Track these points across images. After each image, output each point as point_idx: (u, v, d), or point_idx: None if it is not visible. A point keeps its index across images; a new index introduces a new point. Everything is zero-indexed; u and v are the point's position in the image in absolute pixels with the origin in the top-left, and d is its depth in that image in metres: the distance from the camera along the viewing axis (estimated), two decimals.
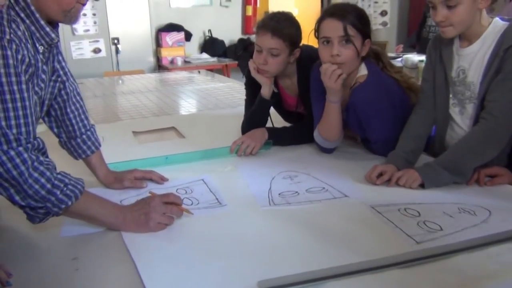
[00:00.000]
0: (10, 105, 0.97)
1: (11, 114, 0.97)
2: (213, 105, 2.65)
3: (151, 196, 1.19)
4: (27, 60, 1.02)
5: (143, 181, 1.42)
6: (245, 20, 5.99)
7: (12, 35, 0.98)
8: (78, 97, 1.34)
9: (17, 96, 0.98)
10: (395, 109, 1.54)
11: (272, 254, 1.02)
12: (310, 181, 1.43)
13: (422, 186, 1.33)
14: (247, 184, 1.42)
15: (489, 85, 1.33)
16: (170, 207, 1.15)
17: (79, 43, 4.95)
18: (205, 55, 5.70)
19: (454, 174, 1.33)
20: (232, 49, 5.79)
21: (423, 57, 3.30)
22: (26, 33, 1.04)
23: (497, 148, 1.32)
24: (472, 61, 1.38)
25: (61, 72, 1.26)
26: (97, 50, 5.12)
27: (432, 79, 1.50)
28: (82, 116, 1.35)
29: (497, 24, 1.35)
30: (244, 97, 1.91)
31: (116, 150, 1.72)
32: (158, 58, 5.57)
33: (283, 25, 1.61)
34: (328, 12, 1.51)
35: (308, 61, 1.67)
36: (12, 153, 0.96)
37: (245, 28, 6.00)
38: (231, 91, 3.04)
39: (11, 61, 0.96)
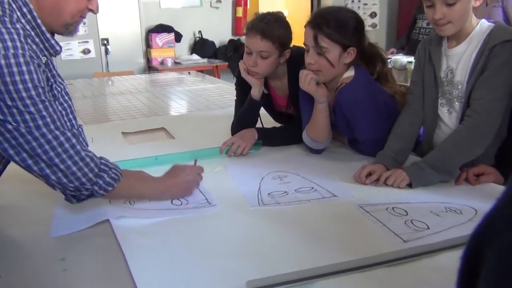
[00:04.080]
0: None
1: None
2: (203, 106, 2.65)
3: (180, 165, 1.33)
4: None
5: None
6: (236, 21, 6.00)
7: (30, 51, 1.00)
8: (66, 97, 1.33)
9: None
10: (381, 110, 1.55)
11: (261, 254, 1.02)
12: (299, 181, 1.44)
13: (410, 185, 1.35)
14: (236, 185, 1.43)
15: (475, 83, 1.35)
16: (198, 176, 1.34)
17: (68, 44, 4.91)
18: (195, 56, 5.69)
19: (441, 172, 1.34)
20: (223, 50, 5.79)
21: (411, 59, 3.34)
22: (33, 46, 1.04)
23: (482, 146, 1.34)
24: (459, 60, 1.41)
25: (49, 75, 1.26)
26: (86, 51, 5.09)
27: (421, 80, 1.52)
28: (70, 116, 1.34)
29: (484, 25, 1.38)
30: (235, 97, 1.92)
31: (106, 151, 1.68)
32: (148, 59, 5.55)
33: (272, 27, 1.61)
34: (308, 20, 1.53)
35: (298, 62, 1.68)
36: (69, 134, 1.05)
37: (236, 29, 6.01)
38: (221, 92, 3.04)
39: (34, 76, 0.99)
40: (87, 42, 5.06)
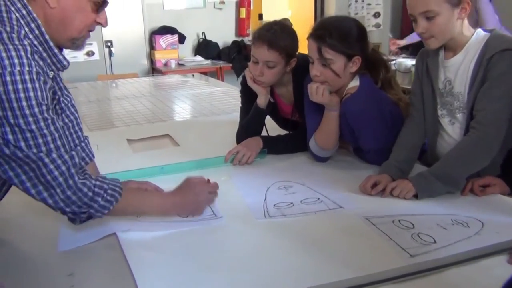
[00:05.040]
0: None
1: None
2: (208, 111, 2.65)
3: (191, 181, 1.29)
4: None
5: None
6: (239, 22, 5.99)
7: (37, 67, 1.00)
8: (72, 109, 1.33)
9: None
10: (386, 119, 1.55)
11: (267, 269, 1.02)
12: (305, 191, 1.44)
13: (415, 196, 1.35)
14: (242, 195, 1.43)
15: (476, 94, 1.35)
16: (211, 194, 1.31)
17: None
18: (199, 58, 5.69)
19: (447, 183, 1.34)
20: (226, 52, 5.79)
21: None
22: (41, 62, 1.04)
23: (488, 157, 1.34)
24: (457, 71, 1.40)
25: (56, 88, 1.26)
26: (90, 53, 5.10)
27: (420, 91, 1.52)
28: (76, 128, 1.35)
29: (480, 35, 1.38)
30: (239, 104, 1.92)
31: (111, 159, 1.72)
32: (151, 61, 5.56)
33: (279, 37, 1.61)
34: (310, 32, 1.53)
35: (303, 70, 1.67)
36: (66, 156, 1.04)
37: (239, 30, 6.00)
38: (226, 96, 3.04)
39: (39, 93, 0.99)
40: (91, 44, 5.07)
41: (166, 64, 5.43)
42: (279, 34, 1.62)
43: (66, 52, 1.17)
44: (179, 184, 1.30)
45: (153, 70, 5.52)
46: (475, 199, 1.35)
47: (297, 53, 1.72)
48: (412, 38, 4.24)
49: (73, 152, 1.06)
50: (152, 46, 5.52)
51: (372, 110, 1.52)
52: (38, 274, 1.03)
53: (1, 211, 1.30)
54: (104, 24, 1.14)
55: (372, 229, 1.19)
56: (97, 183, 1.10)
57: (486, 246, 1.07)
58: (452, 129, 1.47)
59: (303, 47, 1.70)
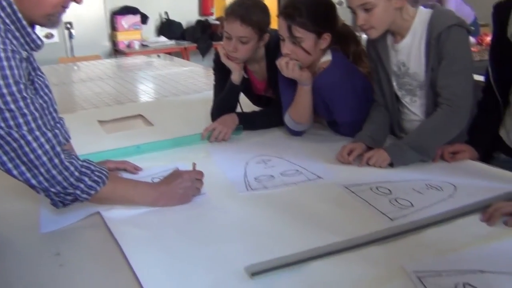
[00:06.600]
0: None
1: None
2: (178, 90, 2.62)
3: (178, 171, 1.26)
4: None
5: (116, 172, 1.40)
6: (202, 1, 5.90)
7: (12, 45, 0.96)
8: (46, 90, 1.29)
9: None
10: (358, 92, 1.58)
11: (256, 239, 1.04)
12: (284, 164, 1.46)
13: (391, 165, 1.40)
14: (222, 171, 1.44)
15: (433, 72, 1.40)
16: (197, 181, 1.25)
17: None
18: (162, 38, 5.59)
19: (420, 153, 1.40)
20: (191, 32, 5.70)
21: None
22: (14, 42, 1.00)
23: (460, 127, 1.41)
24: (409, 53, 1.44)
25: (30, 68, 1.22)
26: (49, 36, 4.91)
27: (376, 77, 1.56)
28: (51, 109, 1.31)
29: (422, 14, 1.41)
30: (212, 82, 1.91)
31: (84, 141, 1.68)
32: (114, 42, 5.42)
33: (252, 12, 1.61)
34: (280, 10, 1.53)
35: (276, 46, 1.68)
36: (50, 134, 1.01)
37: (203, 9, 5.92)
38: (194, 75, 3.01)
39: (16, 72, 0.96)
40: None
41: (129, 46, 5.31)
42: (251, 9, 1.61)
43: None
44: (167, 175, 1.26)
45: (116, 51, 5.38)
46: (447, 165, 1.41)
47: (269, 29, 1.72)
48: None
49: (57, 131, 1.04)
50: (113, 27, 5.37)
51: (345, 83, 1.55)
52: (24, 256, 1.01)
53: None
54: (79, 0, 1.10)
55: (352, 196, 1.23)
56: (84, 163, 1.08)
57: (460, 207, 1.13)
58: (413, 107, 1.52)
59: (274, 24, 1.70)
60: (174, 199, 1.20)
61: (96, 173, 1.09)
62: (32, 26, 1.09)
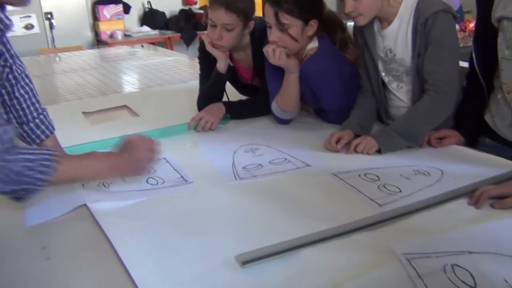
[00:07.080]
0: None
1: None
2: (162, 80, 2.59)
3: (130, 142, 1.20)
4: None
5: None
6: None
7: None
8: (27, 80, 1.27)
9: None
10: (345, 79, 1.58)
11: (245, 227, 1.04)
12: (272, 153, 1.46)
13: (378, 151, 1.40)
14: (209, 160, 1.43)
15: (420, 58, 1.40)
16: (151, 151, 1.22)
17: None
18: (146, 28, 5.51)
19: (408, 139, 1.40)
20: (174, 21, 5.63)
21: None
22: None
23: (447, 113, 1.42)
24: (396, 39, 1.44)
25: (7, 55, 1.19)
26: (29, 26, 4.81)
27: (363, 63, 1.56)
28: (33, 99, 1.29)
29: (409, 0, 1.41)
30: (197, 71, 1.89)
31: (68, 133, 1.65)
32: (96, 33, 5.33)
33: None
34: None
35: (261, 33, 1.67)
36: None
37: None
38: (179, 65, 2.98)
39: None
40: (29, 16, 4.77)
41: (111, 36, 5.23)
42: None
43: None
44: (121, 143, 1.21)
45: (98, 42, 5.30)
46: (434, 150, 1.42)
47: (254, 16, 1.70)
48: None
49: (41, 116, 0.99)
50: (95, 17, 5.28)
51: (332, 70, 1.54)
52: (9, 250, 0.99)
53: None
54: None
55: (340, 183, 1.23)
56: (25, 156, 0.98)
57: (447, 191, 1.14)
58: (400, 93, 1.52)
59: (259, 11, 1.69)
60: (129, 171, 1.20)
61: (41, 161, 0.99)
62: (2, 6, 1.05)
